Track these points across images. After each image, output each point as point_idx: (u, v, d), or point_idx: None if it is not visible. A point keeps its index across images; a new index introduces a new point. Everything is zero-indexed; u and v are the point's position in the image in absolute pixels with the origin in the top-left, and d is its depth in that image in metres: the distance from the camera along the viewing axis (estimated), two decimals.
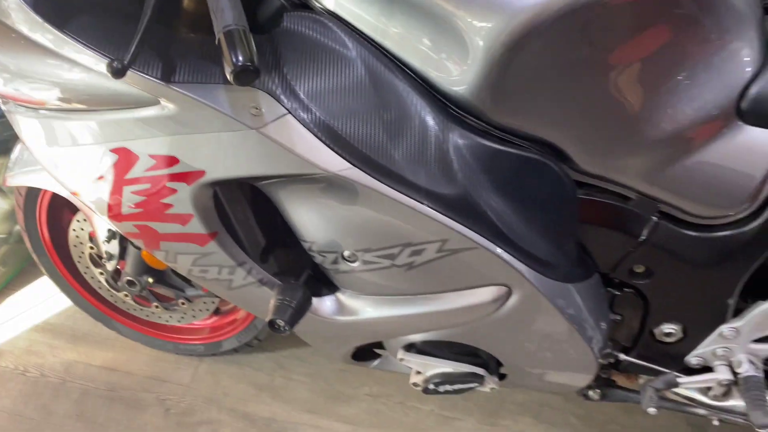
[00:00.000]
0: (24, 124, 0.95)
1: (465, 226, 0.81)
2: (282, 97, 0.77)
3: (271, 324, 0.90)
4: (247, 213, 0.98)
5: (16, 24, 0.80)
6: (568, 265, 0.90)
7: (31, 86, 0.87)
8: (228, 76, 0.65)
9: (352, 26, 0.82)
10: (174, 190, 0.87)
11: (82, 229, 1.32)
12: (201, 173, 0.84)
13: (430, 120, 0.80)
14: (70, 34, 0.76)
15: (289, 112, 0.78)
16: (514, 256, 0.84)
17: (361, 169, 0.78)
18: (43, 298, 1.72)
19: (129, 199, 0.91)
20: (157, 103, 0.80)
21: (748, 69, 0.78)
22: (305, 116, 0.78)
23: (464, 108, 0.80)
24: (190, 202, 0.88)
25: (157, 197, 0.89)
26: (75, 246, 1.36)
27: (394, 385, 1.50)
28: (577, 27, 0.72)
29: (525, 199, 0.84)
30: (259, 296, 0.99)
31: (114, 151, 0.87)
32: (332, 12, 0.83)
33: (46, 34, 0.78)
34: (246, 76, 0.64)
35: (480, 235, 0.82)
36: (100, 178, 0.91)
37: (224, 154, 0.81)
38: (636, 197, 0.88)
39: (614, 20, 0.72)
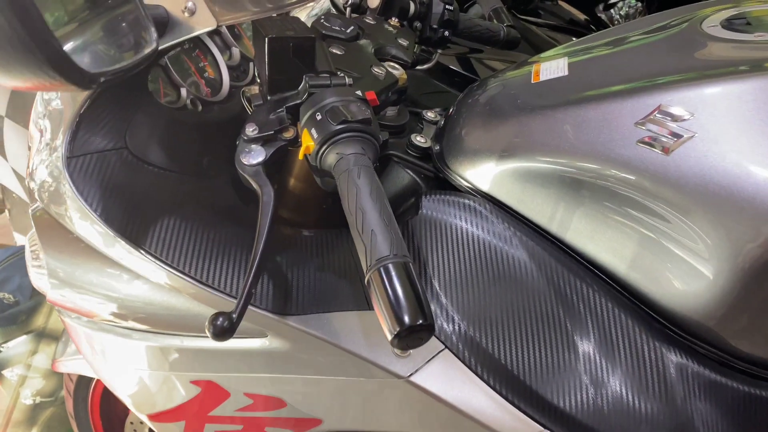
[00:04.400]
0: (85, 336, 0.74)
1: None
2: (438, 325, 0.55)
3: None
4: None
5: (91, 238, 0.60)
6: None
7: (99, 301, 0.66)
8: (388, 338, 0.42)
9: (514, 211, 0.61)
10: None
11: (141, 423, 1.09)
12: (316, 422, 0.61)
13: (647, 351, 0.56)
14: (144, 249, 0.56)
15: (447, 347, 0.55)
16: None
17: None
18: None
19: None
20: (263, 335, 0.58)
21: None
22: (471, 354, 0.55)
23: (692, 332, 0.56)
24: None
25: None
26: None
27: None
28: None
29: None
30: None
31: (195, 383, 0.65)
32: (486, 194, 0.62)
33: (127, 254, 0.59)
34: (417, 338, 0.42)
35: None
36: (176, 409, 0.69)
37: (351, 403, 0.58)
38: None
39: None
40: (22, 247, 1.63)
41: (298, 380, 0.59)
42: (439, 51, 0.94)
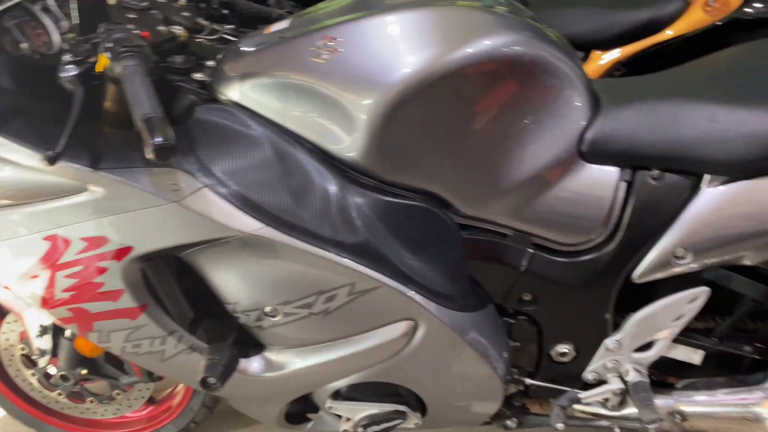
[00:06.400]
0: None
1: (369, 268, 0.94)
2: (198, 173, 0.90)
3: (203, 382, 0.97)
4: (173, 285, 1.06)
5: None
6: (463, 296, 1.04)
7: None
8: (149, 155, 0.77)
9: (256, 112, 0.97)
10: (105, 269, 0.96)
11: (13, 331, 1.35)
12: (129, 249, 0.94)
13: (330, 182, 0.94)
14: (2, 134, 0.88)
15: (205, 186, 0.90)
16: (415, 291, 0.97)
17: (273, 228, 0.91)
18: None
19: (62, 283, 0.99)
20: (85, 189, 0.91)
21: (582, 119, 0.97)
22: (220, 188, 0.91)
23: (358, 170, 0.96)
24: (120, 278, 0.97)
25: (90, 277, 0.98)
26: (5, 349, 1.38)
27: None
28: (436, 96, 0.89)
29: (417, 241, 0.98)
30: (190, 364, 1.06)
31: (46, 239, 0.96)
32: (237, 102, 0.98)
33: None
34: (165, 152, 0.77)
35: (382, 274, 0.95)
36: (34, 267, 0.99)
37: (149, 228, 0.92)
38: (511, 233, 1.04)
39: (463, 88, 0.91)
40: None
41: (113, 219, 0.92)
42: (225, 26, 1.30)
